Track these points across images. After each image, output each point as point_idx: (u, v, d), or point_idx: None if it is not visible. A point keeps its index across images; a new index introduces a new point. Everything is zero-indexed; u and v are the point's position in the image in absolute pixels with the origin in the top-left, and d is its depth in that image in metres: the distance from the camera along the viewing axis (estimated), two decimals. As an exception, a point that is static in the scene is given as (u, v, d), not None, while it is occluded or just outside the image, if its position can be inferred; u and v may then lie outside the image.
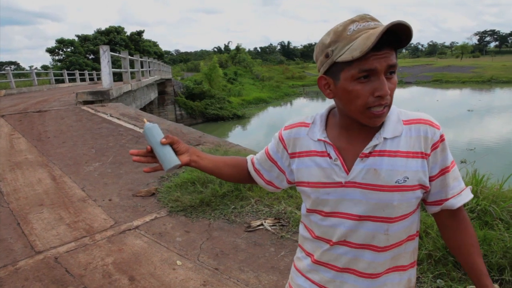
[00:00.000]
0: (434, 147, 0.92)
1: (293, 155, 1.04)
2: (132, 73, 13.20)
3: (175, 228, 3.16)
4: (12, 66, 59.28)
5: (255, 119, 28.78)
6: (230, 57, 51.82)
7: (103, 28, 45.57)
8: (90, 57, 42.76)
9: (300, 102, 38.66)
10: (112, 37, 43.51)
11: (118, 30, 45.32)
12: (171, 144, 1.05)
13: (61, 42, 42.99)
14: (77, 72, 29.54)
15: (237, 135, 22.78)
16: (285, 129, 1.07)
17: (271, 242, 2.87)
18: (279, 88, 45.08)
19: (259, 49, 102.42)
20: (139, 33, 47.15)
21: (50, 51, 43.49)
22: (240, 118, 27.76)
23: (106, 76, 9.75)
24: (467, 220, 0.99)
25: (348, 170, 0.93)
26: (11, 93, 16.62)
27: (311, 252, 1.04)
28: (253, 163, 1.17)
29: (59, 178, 4.45)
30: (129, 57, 12.30)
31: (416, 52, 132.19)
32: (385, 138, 0.91)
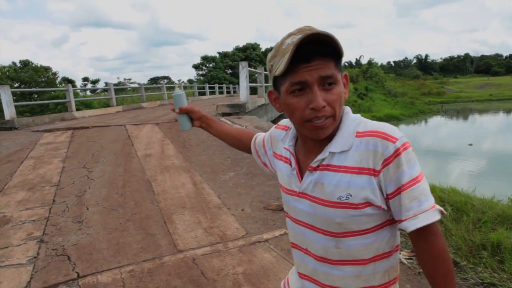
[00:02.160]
0: (386, 163, 0.82)
1: (275, 155, 1.11)
2: (265, 87, 13.87)
3: (302, 247, 3.12)
4: (166, 80, 68.67)
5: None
6: (361, 71, 50.37)
7: (240, 45, 49.42)
8: (228, 72, 46.73)
9: (437, 121, 35.03)
10: (248, 53, 46.85)
11: (254, 47, 48.58)
12: (188, 113, 1.31)
13: (205, 58, 48.13)
14: (216, 86, 32.67)
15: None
16: (275, 128, 1.13)
17: (406, 277, 2.61)
18: (413, 104, 41.90)
19: (392, 63, 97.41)
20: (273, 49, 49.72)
21: (195, 66, 49.12)
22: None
23: (243, 90, 10.43)
24: (436, 246, 0.85)
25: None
26: (163, 104, 19.25)
27: (293, 255, 1.08)
28: (255, 142, 1.31)
29: (199, 184, 4.89)
30: (264, 72, 12.95)
31: None
32: (331, 153, 0.88)
